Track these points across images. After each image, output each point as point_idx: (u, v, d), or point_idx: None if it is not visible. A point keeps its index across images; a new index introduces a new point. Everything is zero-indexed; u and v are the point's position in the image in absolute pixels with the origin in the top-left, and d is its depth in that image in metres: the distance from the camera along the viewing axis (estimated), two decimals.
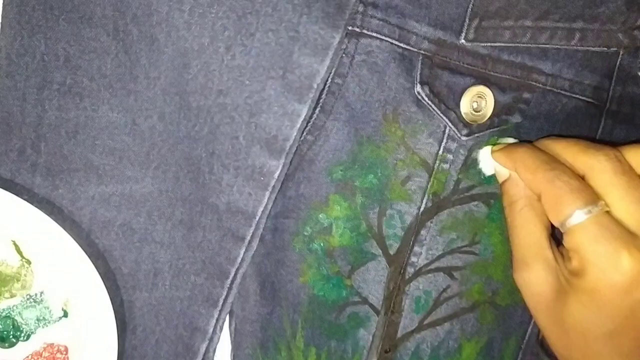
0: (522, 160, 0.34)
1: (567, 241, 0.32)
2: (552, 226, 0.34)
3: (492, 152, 0.37)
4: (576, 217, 0.31)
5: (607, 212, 0.31)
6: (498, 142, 0.38)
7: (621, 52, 0.40)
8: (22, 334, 0.36)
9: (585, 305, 0.31)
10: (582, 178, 0.32)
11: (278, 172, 0.34)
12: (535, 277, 0.34)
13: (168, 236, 0.37)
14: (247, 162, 0.34)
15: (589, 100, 0.40)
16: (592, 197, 0.31)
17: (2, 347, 0.36)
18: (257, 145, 0.33)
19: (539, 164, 0.33)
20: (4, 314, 0.36)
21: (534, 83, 0.39)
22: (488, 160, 0.37)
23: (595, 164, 0.32)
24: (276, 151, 0.34)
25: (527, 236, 0.34)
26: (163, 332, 0.38)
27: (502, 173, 0.36)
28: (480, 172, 0.39)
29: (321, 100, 0.37)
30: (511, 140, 0.38)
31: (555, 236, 0.34)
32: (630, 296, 0.31)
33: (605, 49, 0.39)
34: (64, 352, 0.37)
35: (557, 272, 0.33)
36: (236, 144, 0.34)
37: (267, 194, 0.35)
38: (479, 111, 0.39)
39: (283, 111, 0.33)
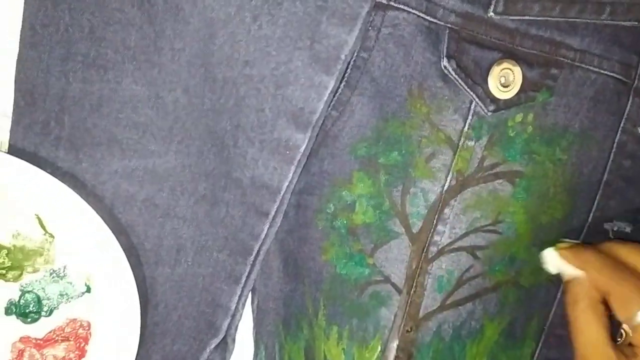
0: (591, 261, 0.37)
1: (634, 337, 0.35)
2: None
3: (560, 251, 0.39)
4: None
5: None
6: (563, 241, 0.41)
7: None
8: (45, 309, 0.36)
9: None
10: None
11: (304, 146, 0.34)
12: None
13: (191, 212, 0.37)
14: (272, 135, 0.33)
15: (617, 76, 0.39)
16: None
17: (25, 322, 0.36)
18: (283, 118, 0.33)
19: (608, 265, 0.36)
20: (27, 288, 0.36)
21: (562, 59, 0.38)
22: (553, 259, 0.39)
23: None
24: (302, 124, 0.33)
25: (591, 334, 0.36)
26: (185, 308, 0.38)
27: (568, 272, 0.38)
28: (504, 149, 0.39)
29: (346, 75, 0.36)
30: (574, 242, 0.41)
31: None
32: None
33: (636, 23, 0.38)
34: (87, 328, 0.37)
35: None
36: (262, 117, 0.33)
37: (293, 168, 0.34)
38: (506, 86, 0.38)
39: (310, 83, 0.33)
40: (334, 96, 0.36)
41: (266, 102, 0.33)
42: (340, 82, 0.36)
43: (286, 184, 0.35)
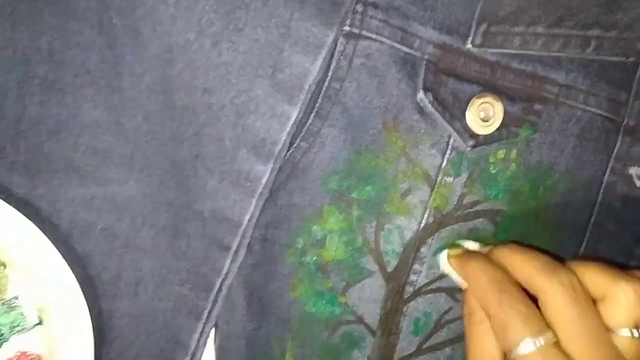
0: (473, 276, 0.33)
1: None
2: None
3: (448, 257, 0.36)
4: (523, 347, 0.30)
5: (556, 343, 0.30)
6: (457, 243, 0.36)
7: None
8: None
9: None
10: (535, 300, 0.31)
11: (266, 179, 0.32)
12: None
13: (152, 243, 0.35)
14: (233, 166, 0.32)
15: (605, 114, 0.37)
16: (540, 326, 0.30)
17: None
18: (243, 148, 0.32)
19: (490, 283, 0.32)
20: None
21: (545, 94, 0.37)
22: (444, 264, 0.36)
23: (548, 289, 0.30)
24: (264, 155, 0.32)
25: (483, 351, 0.32)
26: (143, 344, 0.36)
27: (457, 281, 0.35)
28: (485, 186, 0.37)
29: (317, 105, 0.35)
30: (471, 244, 0.36)
31: None
32: None
33: (624, 58, 0.36)
34: None
35: None
36: (222, 147, 0.32)
37: (254, 201, 0.33)
38: (486, 121, 0.36)
39: (272, 113, 0.31)
40: (303, 127, 0.35)
41: (226, 132, 0.32)
42: (310, 113, 0.35)
43: (247, 217, 0.33)
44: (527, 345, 0.29)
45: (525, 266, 0.31)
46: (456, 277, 0.35)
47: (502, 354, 0.32)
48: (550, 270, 0.31)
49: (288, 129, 0.32)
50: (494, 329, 0.31)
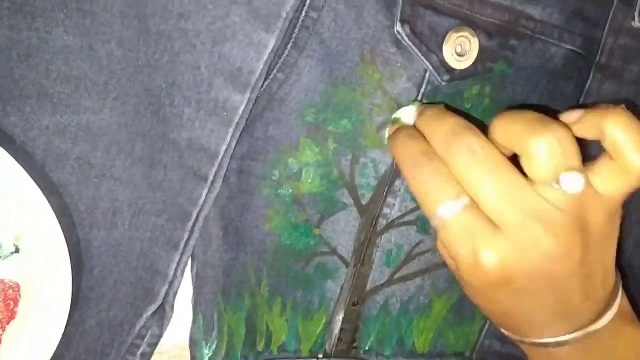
0: (395, 151, 0.32)
1: (439, 241, 0.31)
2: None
3: (388, 133, 0.35)
4: (441, 212, 0.29)
5: (473, 205, 0.29)
6: (396, 118, 0.36)
7: (616, 1, 0.37)
8: None
9: (469, 292, 0.33)
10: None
11: (242, 108, 0.32)
12: None
13: (128, 173, 0.35)
14: (209, 95, 0.32)
15: (579, 51, 0.38)
16: (456, 191, 0.29)
17: None
18: (220, 77, 0.31)
19: (407, 157, 0.31)
20: None
21: (521, 29, 0.37)
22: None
23: (453, 155, 0.29)
24: (241, 85, 0.32)
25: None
26: (122, 273, 0.36)
27: None
28: None
29: (294, 35, 0.34)
30: (406, 111, 0.35)
31: None
32: (500, 290, 0.30)
33: None
34: (16, 289, 0.35)
35: None
36: (198, 75, 0.31)
37: (231, 131, 0.33)
38: (462, 55, 0.36)
39: (249, 41, 0.31)
40: (279, 58, 0.34)
41: (202, 60, 0.31)
42: (287, 43, 0.34)
43: (224, 147, 0.33)
44: (443, 211, 0.29)
45: (433, 134, 0.31)
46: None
47: None
48: (455, 134, 0.30)
49: (265, 58, 0.32)
50: (417, 200, 0.31)
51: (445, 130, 0.30)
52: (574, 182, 0.28)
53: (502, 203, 0.29)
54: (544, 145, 0.28)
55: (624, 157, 0.29)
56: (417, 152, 0.31)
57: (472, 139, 0.29)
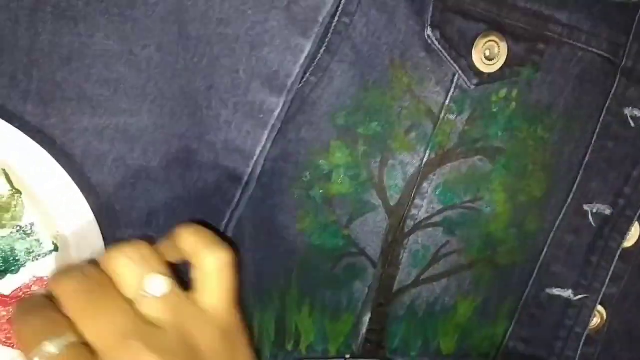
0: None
1: None
2: None
3: None
4: (36, 357, 0.27)
5: (78, 342, 0.27)
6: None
7: None
8: (12, 267, 0.35)
9: None
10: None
11: (278, 111, 0.33)
12: None
13: (163, 174, 0.36)
14: (246, 98, 0.32)
15: (605, 55, 0.38)
16: (58, 330, 0.27)
17: None
18: (257, 80, 0.32)
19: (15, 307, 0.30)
20: None
21: (549, 33, 0.37)
22: None
23: (60, 291, 0.28)
24: (277, 88, 0.33)
25: None
26: None
27: None
28: (486, 125, 0.38)
29: (327, 40, 0.35)
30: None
31: None
32: None
33: (627, 0, 0.37)
34: None
35: None
36: (236, 78, 0.32)
37: (267, 132, 0.34)
38: (491, 59, 0.37)
39: (286, 45, 0.32)
40: (312, 61, 0.35)
41: (240, 63, 0.32)
42: (320, 47, 0.35)
43: (259, 148, 0.34)
44: (42, 353, 0.27)
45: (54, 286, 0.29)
46: None
47: None
48: (61, 274, 0.29)
49: (301, 62, 0.32)
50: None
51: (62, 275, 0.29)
52: (158, 284, 0.28)
53: (100, 330, 0.27)
54: (123, 260, 0.28)
55: (197, 260, 0.29)
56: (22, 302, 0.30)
57: (80, 270, 0.29)
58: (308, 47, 0.32)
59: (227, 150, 0.34)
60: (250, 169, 0.35)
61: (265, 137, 0.34)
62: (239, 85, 0.32)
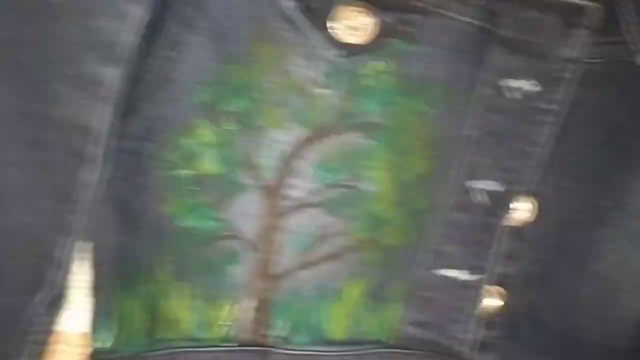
0: None
1: None
2: None
3: None
4: None
5: None
6: None
7: None
8: None
9: None
10: None
11: (114, 83, 0.32)
12: None
13: (15, 155, 0.34)
14: (80, 69, 0.31)
15: (478, 23, 0.37)
16: None
17: None
18: (91, 51, 0.31)
19: None
20: None
21: (418, 3, 0.36)
22: None
23: None
24: (112, 59, 0.31)
25: None
26: (10, 259, 0.35)
27: None
28: (361, 100, 0.37)
29: (178, 12, 0.34)
30: None
31: None
32: None
33: None
34: None
35: None
36: (71, 50, 0.31)
37: (105, 107, 0.32)
38: (357, 30, 0.36)
39: (117, 13, 0.30)
40: (166, 35, 0.34)
41: (71, 34, 0.30)
42: (172, 19, 0.34)
43: (100, 124, 0.32)
44: None
45: None
46: None
47: None
48: None
49: (135, 31, 0.31)
50: None
51: None
52: None
53: None
54: None
55: None
56: None
57: None
58: (139, 13, 0.31)
59: (70, 126, 0.33)
60: (96, 147, 0.33)
61: (107, 112, 0.32)
62: (74, 57, 0.31)
